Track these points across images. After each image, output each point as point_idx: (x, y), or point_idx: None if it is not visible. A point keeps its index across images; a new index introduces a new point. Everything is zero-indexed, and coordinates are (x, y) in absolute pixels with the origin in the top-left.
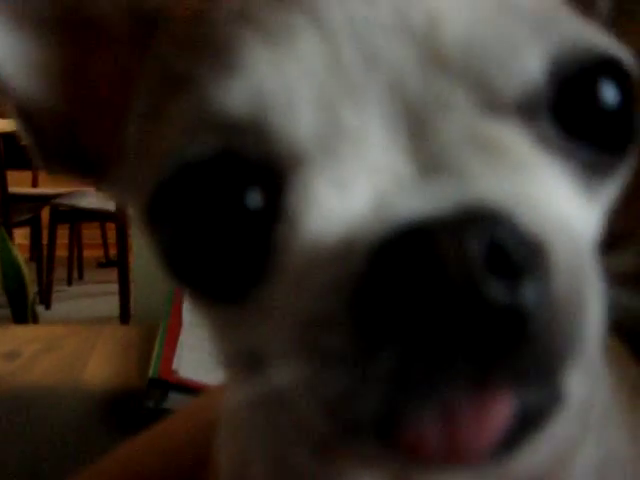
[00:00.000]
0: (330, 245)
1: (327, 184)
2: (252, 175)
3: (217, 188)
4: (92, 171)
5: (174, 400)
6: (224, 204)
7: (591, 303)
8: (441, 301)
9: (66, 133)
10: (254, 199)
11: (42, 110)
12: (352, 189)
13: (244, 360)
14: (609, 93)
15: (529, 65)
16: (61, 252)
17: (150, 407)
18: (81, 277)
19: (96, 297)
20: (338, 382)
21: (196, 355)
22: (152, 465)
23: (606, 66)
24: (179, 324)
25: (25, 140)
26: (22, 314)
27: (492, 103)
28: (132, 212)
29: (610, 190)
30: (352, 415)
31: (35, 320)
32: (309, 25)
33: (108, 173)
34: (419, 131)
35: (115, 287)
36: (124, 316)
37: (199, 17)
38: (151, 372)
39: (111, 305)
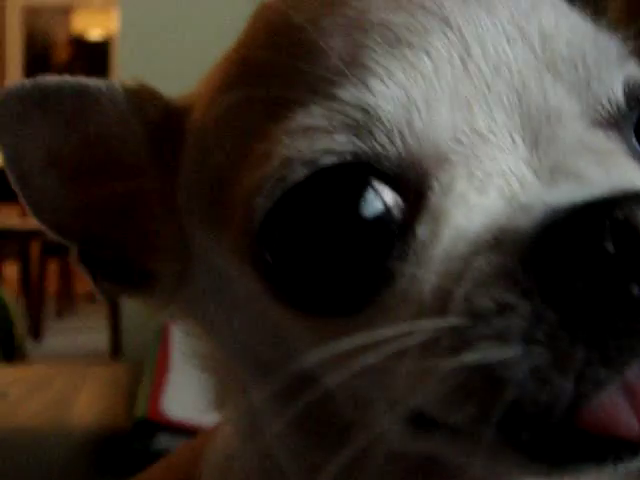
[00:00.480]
0: (479, 237)
1: (467, 182)
2: (390, 178)
3: (350, 191)
4: (139, 286)
5: (163, 441)
6: (356, 208)
7: None
8: (625, 273)
9: (111, 255)
10: (389, 201)
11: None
12: (489, 187)
13: (292, 382)
14: None
15: (617, 86)
16: (52, 286)
17: (138, 449)
18: (73, 311)
19: (87, 331)
20: (524, 363)
21: (186, 395)
22: None
23: None
24: (167, 362)
25: (82, 269)
26: (10, 352)
27: (593, 115)
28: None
29: None
30: (540, 401)
31: (24, 357)
32: (437, 25)
33: (158, 284)
34: (539, 136)
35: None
36: (115, 351)
37: (297, 34)
38: (138, 412)
39: (103, 339)
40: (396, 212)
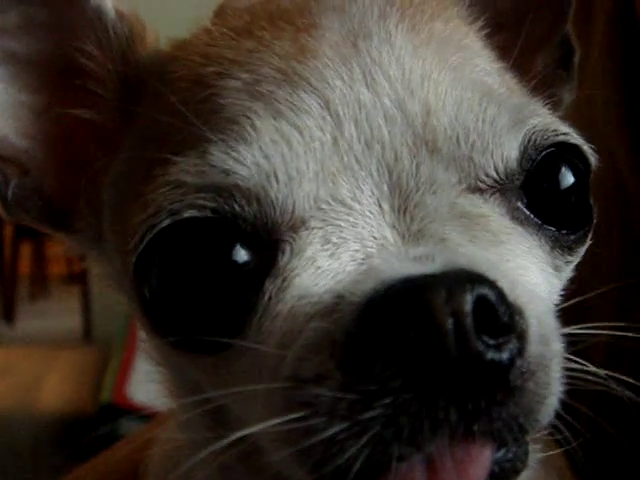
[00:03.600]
0: (320, 300)
1: (320, 247)
2: (245, 236)
3: (209, 244)
4: (55, 223)
5: (128, 426)
6: (213, 260)
7: (556, 366)
8: (431, 354)
9: (32, 183)
10: (244, 258)
11: (9, 156)
12: (343, 252)
13: (207, 411)
14: (568, 176)
15: (508, 151)
16: (25, 269)
17: (103, 433)
18: (46, 294)
19: (60, 314)
20: (326, 430)
21: (152, 380)
22: None
23: (567, 151)
24: (134, 348)
25: None
26: None
27: (474, 183)
28: (100, 266)
29: (571, 264)
30: (337, 463)
31: None
32: (316, 104)
33: (72, 226)
34: (407, 205)
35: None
36: (87, 333)
37: (203, 83)
38: (103, 397)
39: (76, 322)
40: (247, 267)
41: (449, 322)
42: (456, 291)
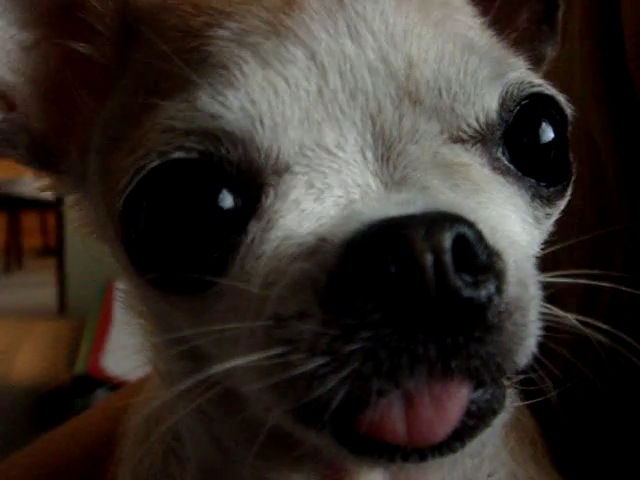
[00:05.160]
0: (304, 241)
1: (304, 191)
2: (231, 178)
3: (196, 186)
4: (41, 161)
5: (102, 397)
6: (199, 200)
7: (533, 310)
8: (411, 289)
9: (19, 119)
10: (228, 199)
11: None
12: (327, 197)
13: (187, 353)
14: (547, 129)
15: (489, 102)
16: (0, 241)
17: (78, 404)
18: (20, 266)
19: (35, 286)
20: (307, 364)
21: (127, 352)
22: (67, 457)
23: (544, 104)
24: (109, 320)
25: None
26: None
27: (456, 134)
28: (82, 210)
29: (551, 217)
30: (316, 396)
31: None
32: (302, 55)
33: (58, 166)
34: (390, 154)
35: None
36: (62, 306)
37: (193, 32)
38: (78, 369)
39: (50, 294)
40: (231, 208)
41: (428, 258)
42: (435, 229)
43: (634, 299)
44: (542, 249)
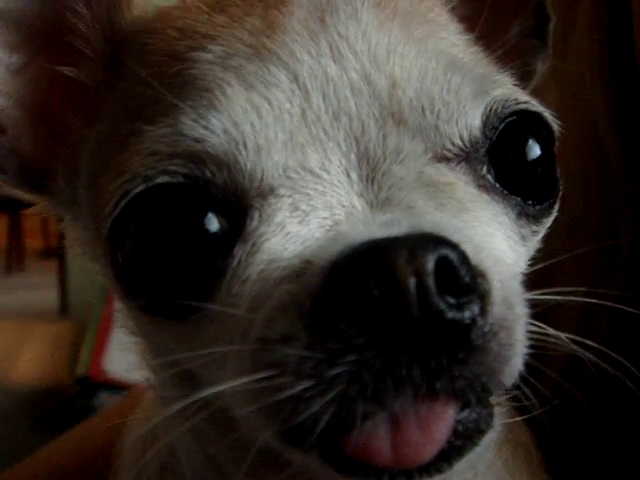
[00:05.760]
0: (289, 264)
1: (289, 213)
2: (216, 202)
3: (181, 210)
4: (31, 184)
5: (103, 399)
6: (185, 225)
7: (519, 329)
8: (394, 312)
9: (8, 142)
10: (214, 223)
11: None
12: (312, 219)
13: (179, 376)
14: (534, 146)
15: (472, 120)
16: (1, 242)
17: (79, 406)
18: (22, 267)
19: (36, 288)
20: (293, 388)
21: (128, 353)
22: (72, 465)
23: (531, 120)
24: (111, 322)
25: None
26: None
27: (440, 152)
28: (75, 230)
29: (537, 234)
30: (303, 419)
31: None
32: (285, 78)
33: (49, 188)
34: (375, 174)
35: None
36: (63, 307)
37: (177, 56)
38: (79, 371)
39: (51, 296)
40: (217, 232)
41: (411, 281)
42: (418, 251)
43: (633, 319)
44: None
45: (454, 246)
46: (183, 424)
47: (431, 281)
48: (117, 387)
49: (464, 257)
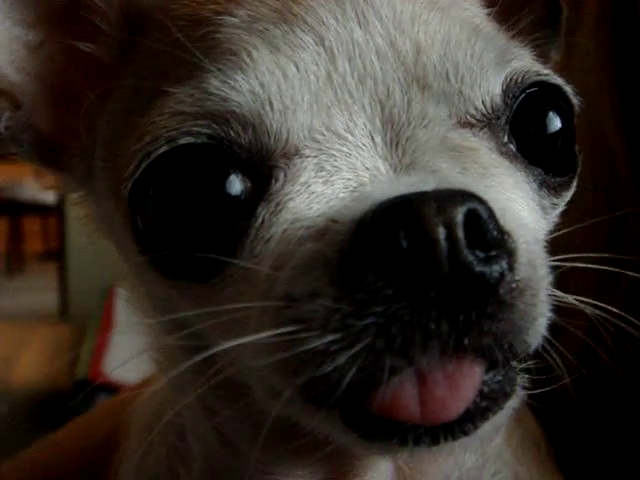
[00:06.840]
0: (314, 223)
1: (314, 174)
2: (240, 162)
3: (204, 171)
4: (46, 159)
5: (103, 402)
6: (208, 186)
7: (543, 291)
8: (423, 264)
9: (24, 117)
10: (238, 184)
11: (1, 89)
12: (336, 180)
13: (191, 349)
14: (555, 119)
15: (493, 87)
16: (2, 245)
17: (79, 409)
18: (23, 270)
19: (37, 291)
20: (319, 340)
21: (127, 356)
22: (68, 459)
23: (551, 93)
24: (110, 324)
25: None
26: None
27: (464, 118)
28: (87, 207)
29: (557, 207)
30: (328, 372)
31: None
32: (311, 41)
33: (63, 163)
34: (399, 138)
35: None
36: (63, 310)
37: (201, 21)
38: (79, 373)
39: (51, 298)
40: (240, 192)
41: (440, 232)
42: (447, 204)
43: None
44: (556, 239)
45: (482, 201)
46: (191, 396)
47: (461, 233)
48: (117, 389)
49: (492, 212)
